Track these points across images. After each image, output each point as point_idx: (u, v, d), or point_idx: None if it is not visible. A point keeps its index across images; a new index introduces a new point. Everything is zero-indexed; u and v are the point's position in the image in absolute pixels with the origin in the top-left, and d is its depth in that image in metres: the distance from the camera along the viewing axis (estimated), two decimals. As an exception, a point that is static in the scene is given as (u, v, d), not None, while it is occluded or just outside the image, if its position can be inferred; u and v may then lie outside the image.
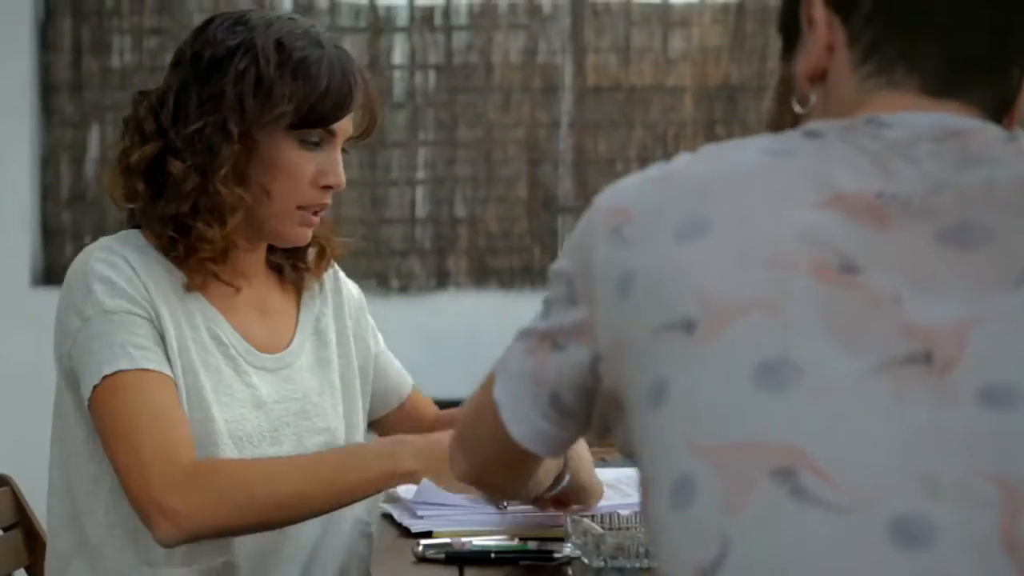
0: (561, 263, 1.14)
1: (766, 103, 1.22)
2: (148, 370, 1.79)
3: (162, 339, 1.83)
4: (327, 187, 1.88)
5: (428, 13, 4.76)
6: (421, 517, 1.89)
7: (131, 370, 1.79)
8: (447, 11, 4.76)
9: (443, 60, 4.76)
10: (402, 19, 4.78)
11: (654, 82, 4.76)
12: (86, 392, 1.80)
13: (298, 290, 2.00)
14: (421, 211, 4.78)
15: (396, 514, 1.93)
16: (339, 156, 1.90)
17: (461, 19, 4.76)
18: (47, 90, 4.69)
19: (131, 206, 1.90)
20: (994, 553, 0.91)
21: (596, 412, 1.15)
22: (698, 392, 0.99)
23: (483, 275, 4.77)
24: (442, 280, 4.78)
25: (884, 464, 0.94)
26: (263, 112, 1.82)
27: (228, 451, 1.85)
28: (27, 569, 2.10)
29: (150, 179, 1.86)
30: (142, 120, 1.86)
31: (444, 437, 1.73)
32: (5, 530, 2.09)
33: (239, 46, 1.84)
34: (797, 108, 1.15)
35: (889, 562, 0.91)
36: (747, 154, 1.07)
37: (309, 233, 1.92)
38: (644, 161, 4.75)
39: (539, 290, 4.74)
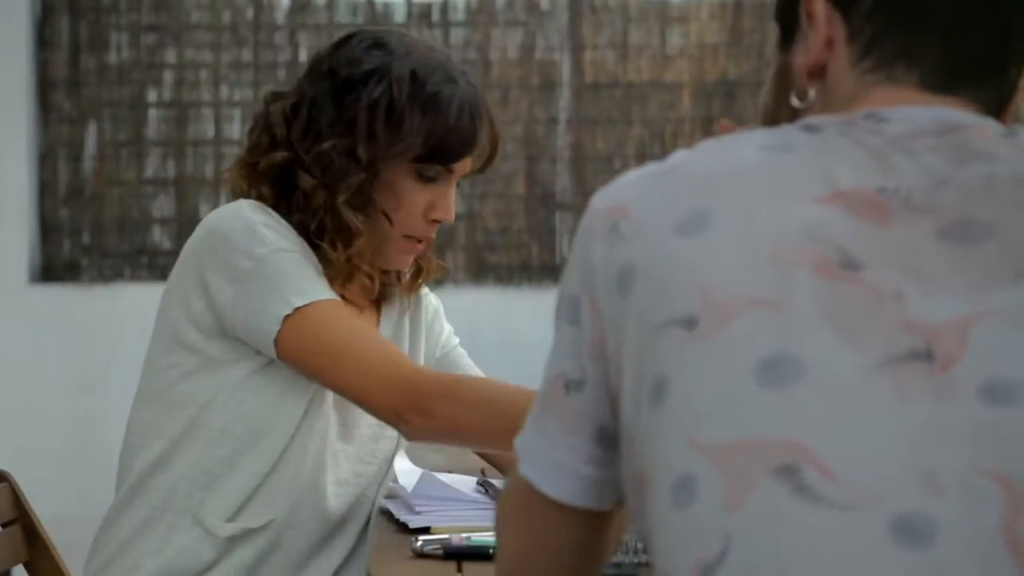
0: (565, 285, 1.11)
1: (762, 96, 1.22)
2: (336, 299, 1.85)
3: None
4: (435, 220, 1.93)
5: (425, 9, 4.76)
6: (419, 513, 1.89)
7: (322, 300, 1.83)
8: (444, 7, 4.76)
9: (441, 56, 4.76)
10: (399, 15, 4.77)
11: (652, 78, 4.76)
12: (272, 326, 1.81)
13: (381, 299, 2.04)
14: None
15: (394, 510, 1.94)
16: (453, 192, 1.94)
17: (459, 15, 4.76)
18: (44, 87, 4.69)
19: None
20: (996, 550, 0.90)
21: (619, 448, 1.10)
22: (699, 390, 0.98)
23: (481, 271, 4.77)
24: (440, 276, 4.78)
25: (886, 461, 0.93)
26: (391, 143, 1.86)
27: (301, 439, 1.87)
28: (26, 565, 2.10)
29: (276, 186, 1.90)
30: (273, 124, 1.90)
31: None
32: (4, 526, 2.09)
33: (375, 71, 1.87)
34: (796, 103, 1.14)
35: (892, 560, 0.91)
36: (747, 149, 1.07)
37: (410, 260, 1.98)
38: (642, 157, 4.75)
39: (537, 286, 4.74)
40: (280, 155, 1.89)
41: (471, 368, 2.15)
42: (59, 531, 2.19)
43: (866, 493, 0.92)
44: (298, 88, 1.93)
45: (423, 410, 1.78)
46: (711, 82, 4.76)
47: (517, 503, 1.16)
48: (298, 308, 1.81)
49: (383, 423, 1.86)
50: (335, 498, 1.91)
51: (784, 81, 1.17)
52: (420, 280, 2.06)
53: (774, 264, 0.99)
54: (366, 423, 1.93)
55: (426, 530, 1.85)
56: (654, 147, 4.75)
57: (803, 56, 1.13)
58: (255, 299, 1.83)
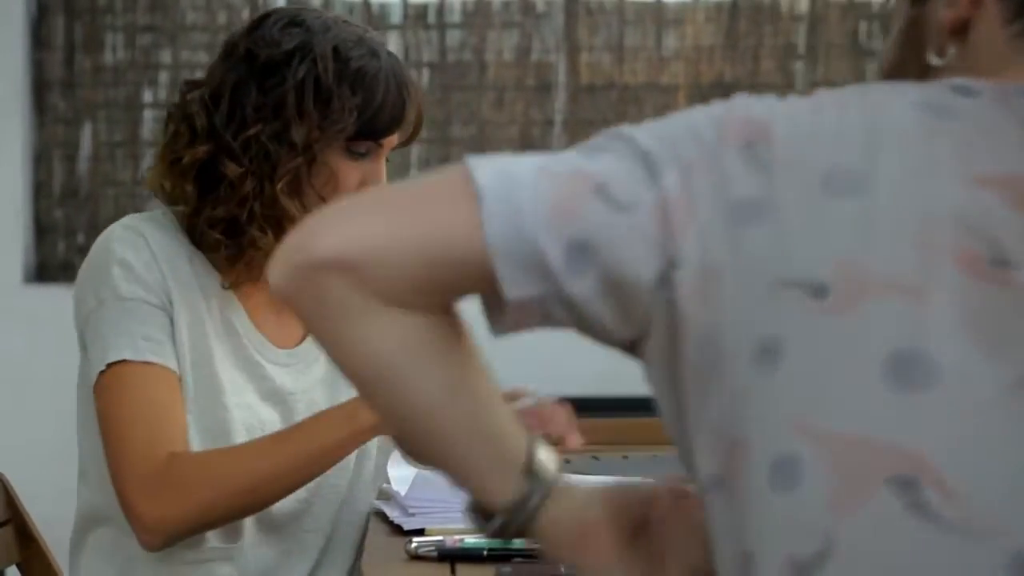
0: (645, 141, 0.98)
1: (886, 48, 1.09)
2: (151, 363, 1.80)
3: (172, 328, 1.83)
4: None
5: (421, 11, 4.76)
6: (413, 515, 1.89)
7: (134, 361, 1.79)
8: (441, 9, 4.75)
9: (436, 58, 4.75)
10: (395, 16, 4.77)
11: (648, 80, 4.76)
12: (93, 376, 1.82)
13: None
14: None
15: (388, 511, 1.93)
16: (383, 167, 1.91)
17: (455, 17, 4.76)
18: (39, 87, 4.68)
19: (176, 207, 1.89)
20: None
21: (630, 316, 0.96)
22: (818, 368, 0.89)
23: (476, 273, 4.76)
24: (435, 278, 4.77)
25: (1015, 491, 0.85)
26: (324, 124, 1.82)
27: (241, 441, 1.86)
28: (19, 566, 2.10)
29: (199, 179, 1.85)
30: (193, 115, 1.85)
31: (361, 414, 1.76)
32: (-3, 527, 2.09)
33: (296, 50, 1.83)
34: (934, 60, 1.02)
35: None
36: (901, 105, 0.95)
37: None
38: (637, 159, 4.75)
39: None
40: (203, 148, 1.83)
41: None
42: (53, 532, 2.18)
43: (989, 523, 0.85)
44: (214, 74, 1.87)
45: (145, 520, 1.75)
46: (707, 84, 4.76)
47: (431, 213, 0.94)
48: (109, 365, 1.79)
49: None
50: (280, 508, 1.89)
51: (917, 35, 1.05)
52: None
53: (920, 248, 0.89)
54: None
55: (420, 532, 1.84)
56: (650, 149, 4.75)
57: (948, 9, 1.02)
58: (91, 343, 1.84)
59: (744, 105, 0.96)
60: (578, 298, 0.95)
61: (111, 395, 1.80)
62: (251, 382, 1.87)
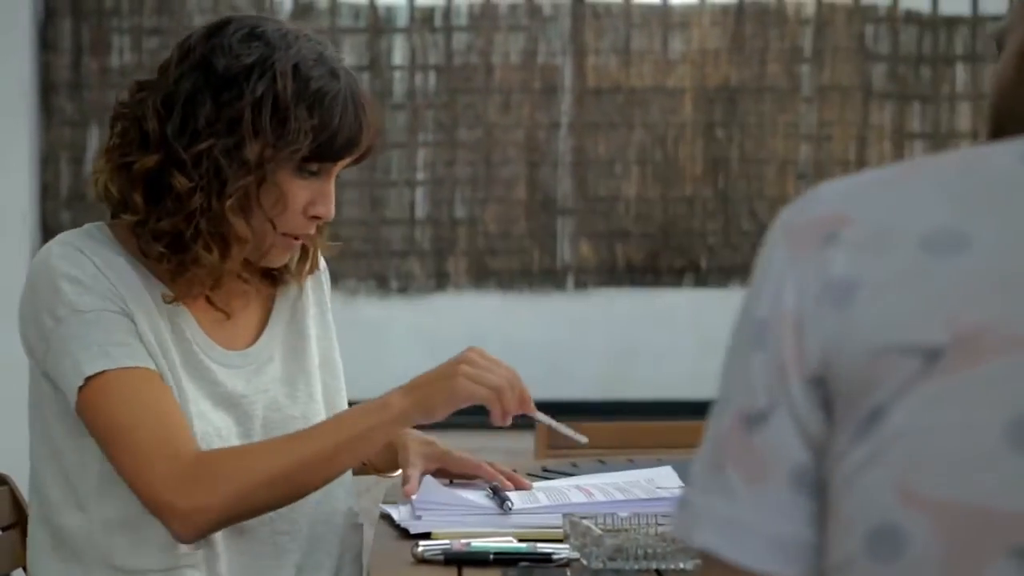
0: (744, 315, 0.93)
1: (997, 68, 1.04)
2: (130, 367, 1.78)
3: (137, 331, 1.81)
4: (315, 217, 1.85)
5: (428, 14, 4.76)
6: (420, 518, 1.89)
7: (113, 370, 1.77)
8: (447, 12, 4.76)
9: (443, 61, 4.76)
10: (402, 20, 4.77)
11: (654, 83, 4.76)
12: (71, 396, 1.79)
13: (274, 281, 1.98)
14: (420, 212, 4.78)
15: (395, 515, 1.93)
16: (332, 187, 1.86)
17: (461, 20, 4.76)
18: (46, 90, 4.69)
19: (123, 215, 1.84)
20: None
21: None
22: (928, 433, 0.84)
23: (482, 276, 4.77)
24: (441, 281, 4.78)
25: None
26: (279, 144, 1.79)
27: (199, 448, 1.84)
28: (25, 569, 2.10)
29: (147, 188, 1.81)
30: (143, 119, 1.81)
31: (424, 374, 1.81)
32: (4, 530, 2.09)
33: (255, 65, 1.79)
34: None
35: None
36: (1007, 160, 0.90)
37: (287, 258, 1.90)
38: (643, 163, 4.75)
39: (538, 291, 4.74)
40: (153, 157, 1.79)
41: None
42: (59, 535, 2.18)
43: None
44: (166, 78, 1.83)
45: (182, 511, 1.74)
46: (713, 87, 4.76)
47: None
48: (88, 379, 1.76)
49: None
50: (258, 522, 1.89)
51: None
52: (309, 263, 1.97)
53: None
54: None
55: (427, 535, 1.84)
56: (656, 152, 4.75)
57: None
58: (58, 363, 1.80)
59: (804, 208, 0.92)
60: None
61: (103, 407, 1.77)
62: (202, 389, 1.85)
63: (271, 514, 1.88)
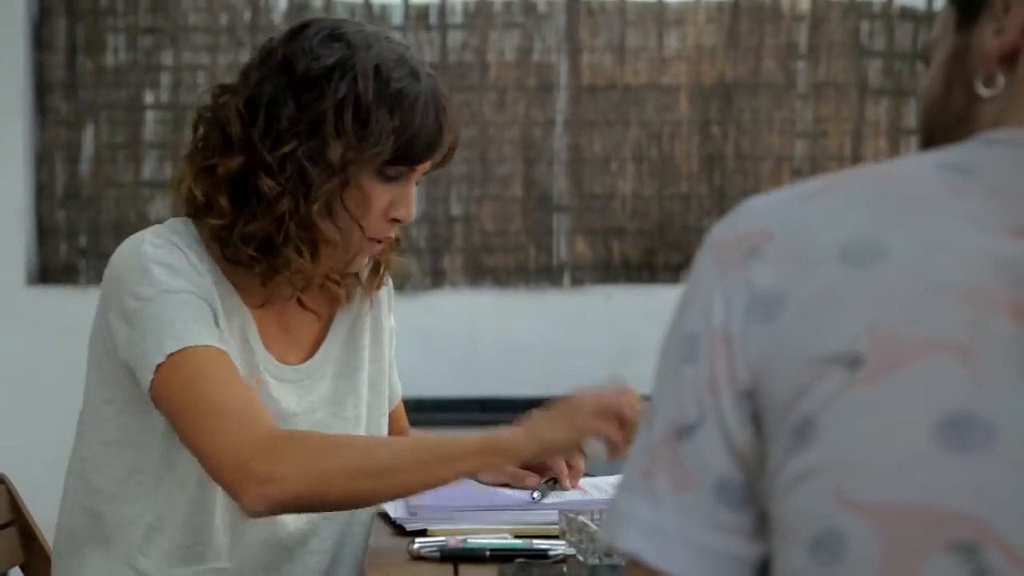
0: (676, 328, 0.95)
1: (927, 79, 1.05)
2: (212, 346, 1.75)
3: (218, 327, 1.80)
4: (395, 220, 1.85)
5: (423, 11, 4.76)
6: (415, 515, 1.89)
7: (197, 346, 1.74)
8: (442, 9, 4.76)
9: (438, 58, 4.75)
10: (397, 17, 4.77)
11: (649, 81, 4.76)
12: (147, 373, 1.74)
13: (338, 297, 1.95)
14: (416, 210, 4.77)
15: (391, 511, 1.93)
16: (413, 190, 1.86)
17: (456, 17, 4.76)
18: (41, 89, 4.68)
19: (209, 219, 1.82)
20: None
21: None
22: (858, 439, 0.85)
23: (478, 274, 4.77)
24: (437, 279, 4.78)
25: None
26: (361, 146, 1.77)
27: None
28: (22, 567, 2.10)
29: (233, 191, 1.80)
30: (226, 122, 1.80)
31: (500, 434, 1.73)
32: (1, 528, 2.09)
33: (336, 66, 1.77)
34: (983, 91, 0.98)
35: None
36: (921, 169, 0.92)
37: (367, 261, 1.89)
38: (639, 160, 4.75)
39: (534, 289, 4.74)
40: (238, 159, 1.78)
41: (395, 384, 2.05)
42: (55, 534, 2.18)
43: None
44: (247, 80, 1.81)
45: (261, 476, 1.67)
46: (708, 84, 4.76)
47: None
48: (170, 355, 1.72)
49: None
50: (288, 529, 1.88)
51: (961, 65, 1.01)
52: (379, 277, 1.97)
53: (965, 304, 0.85)
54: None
55: (423, 532, 1.84)
56: (651, 149, 4.75)
57: (998, 37, 0.97)
58: (137, 343, 1.75)
59: (730, 226, 0.94)
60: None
61: (186, 381, 1.72)
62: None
63: (308, 534, 1.88)
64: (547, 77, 4.77)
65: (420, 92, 1.81)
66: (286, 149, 1.76)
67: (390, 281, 2.04)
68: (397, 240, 1.95)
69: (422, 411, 2.49)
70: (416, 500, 1.91)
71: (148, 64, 4.70)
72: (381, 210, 1.83)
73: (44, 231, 4.69)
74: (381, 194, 1.83)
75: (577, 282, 4.76)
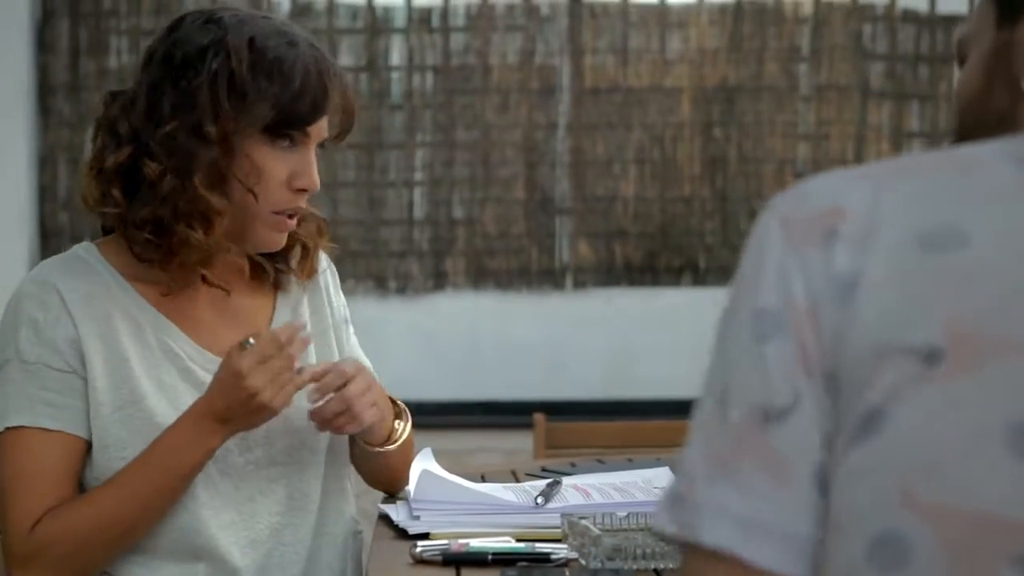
0: (743, 300, 0.89)
1: (963, 76, 1.02)
2: (47, 429, 1.81)
3: (85, 386, 1.82)
4: (301, 190, 1.84)
5: (426, 14, 4.76)
6: (418, 518, 1.89)
7: (30, 427, 1.81)
8: (445, 12, 4.76)
9: (441, 61, 4.76)
10: (400, 20, 4.77)
11: (652, 83, 4.76)
12: None
13: (276, 287, 1.96)
14: (419, 212, 4.78)
15: (393, 515, 1.93)
16: (313, 158, 1.85)
17: (459, 20, 4.76)
18: (44, 91, 4.69)
19: (104, 210, 1.86)
20: None
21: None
22: (929, 438, 0.82)
23: (481, 276, 4.77)
24: (440, 281, 4.78)
25: None
26: (238, 114, 1.79)
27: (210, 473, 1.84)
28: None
29: (126, 183, 1.82)
30: (114, 121, 1.84)
31: (232, 384, 1.74)
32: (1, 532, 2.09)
33: (210, 44, 1.80)
34: None
35: None
36: (999, 162, 0.88)
37: (284, 238, 1.88)
38: (641, 163, 4.75)
39: (536, 291, 4.74)
40: (125, 150, 1.81)
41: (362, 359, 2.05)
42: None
43: None
44: (136, 81, 1.86)
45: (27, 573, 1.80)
46: (711, 87, 4.76)
47: None
48: (8, 428, 1.82)
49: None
50: (258, 525, 1.89)
51: (1004, 63, 0.98)
52: (309, 262, 1.96)
53: None
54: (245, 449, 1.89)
55: (425, 536, 1.84)
56: (654, 152, 4.75)
57: None
58: None
59: (799, 199, 0.90)
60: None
61: (3, 459, 1.82)
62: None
63: (280, 527, 1.87)
64: (549, 80, 4.77)
65: (298, 56, 1.82)
66: (167, 129, 1.79)
67: (331, 264, 2.03)
68: (324, 224, 1.95)
69: (424, 414, 2.48)
70: (418, 504, 1.91)
71: (151, 66, 4.70)
72: (281, 180, 1.83)
73: (46, 234, 4.70)
74: (275, 163, 1.83)
75: (579, 285, 4.76)
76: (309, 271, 1.97)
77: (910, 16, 4.75)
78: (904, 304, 0.84)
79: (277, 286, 1.97)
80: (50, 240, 4.70)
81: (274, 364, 1.76)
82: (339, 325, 2.02)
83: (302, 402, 1.88)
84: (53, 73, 4.69)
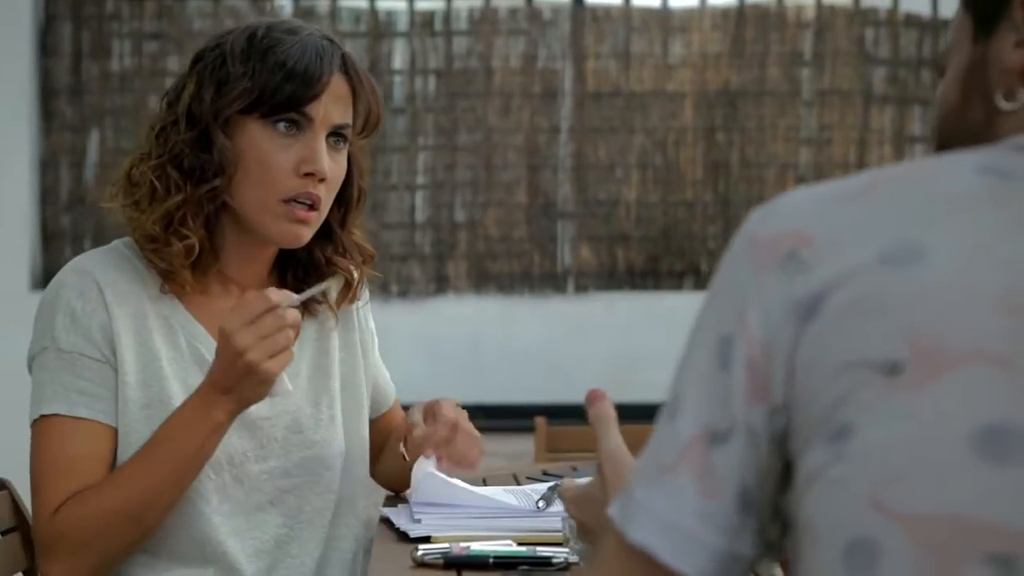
0: (706, 328, 0.93)
1: (942, 88, 1.03)
2: (81, 418, 1.81)
3: (116, 379, 1.82)
4: (308, 175, 1.80)
5: (428, 18, 4.77)
6: (419, 521, 1.89)
7: (65, 416, 1.82)
8: (447, 16, 4.76)
9: (443, 65, 4.76)
10: (402, 24, 4.78)
11: (654, 87, 4.77)
12: (30, 420, 1.86)
13: (308, 311, 1.93)
14: (421, 216, 4.79)
15: (394, 518, 1.93)
16: (321, 145, 1.81)
17: (461, 24, 4.77)
18: (47, 94, 4.69)
19: (135, 216, 1.87)
20: None
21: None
22: (896, 446, 0.84)
23: (482, 280, 4.77)
24: (442, 285, 4.78)
25: None
26: (219, 97, 1.79)
27: (208, 473, 1.83)
28: (25, 573, 2.10)
29: (151, 188, 1.83)
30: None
31: (222, 346, 1.71)
32: (3, 534, 2.09)
33: (217, 45, 1.82)
34: (1003, 105, 0.97)
35: None
36: (961, 172, 0.90)
37: (302, 231, 1.84)
38: (644, 167, 4.75)
39: (538, 295, 4.74)
40: (152, 163, 1.83)
41: (387, 383, 2.07)
42: (59, 539, 2.18)
43: None
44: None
45: (50, 560, 1.81)
46: (713, 91, 4.76)
47: None
48: (43, 415, 1.84)
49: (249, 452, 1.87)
50: (264, 536, 1.88)
51: (979, 78, 0.99)
52: (348, 297, 1.94)
53: (1006, 314, 0.84)
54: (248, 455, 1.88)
55: (426, 539, 1.84)
56: (656, 156, 4.75)
57: (1019, 51, 0.96)
58: (32, 388, 1.88)
59: (764, 221, 0.93)
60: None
61: (38, 446, 1.84)
62: None
63: (286, 539, 1.87)
64: (552, 84, 4.77)
65: (296, 42, 1.81)
66: (164, 124, 1.82)
67: (365, 294, 2.03)
68: (370, 256, 1.95)
69: (426, 417, 2.48)
70: (419, 507, 1.91)
71: (153, 69, 4.71)
72: (290, 167, 1.80)
73: (48, 236, 4.70)
74: (279, 150, 1.80)
75: (581, 288, 4.76)
76: (351, 299, 1.96)
77: (912, 20, 4.75)
78: (864, 321, 0.86)
79: (308, 310, 1.95)
80: (52, 242, 4.70)
81: (263, 323, 1.73)
82: (368, 354, 2.02)
83: (323, 416, 1.88)
84: (55, 76, 4.70)
